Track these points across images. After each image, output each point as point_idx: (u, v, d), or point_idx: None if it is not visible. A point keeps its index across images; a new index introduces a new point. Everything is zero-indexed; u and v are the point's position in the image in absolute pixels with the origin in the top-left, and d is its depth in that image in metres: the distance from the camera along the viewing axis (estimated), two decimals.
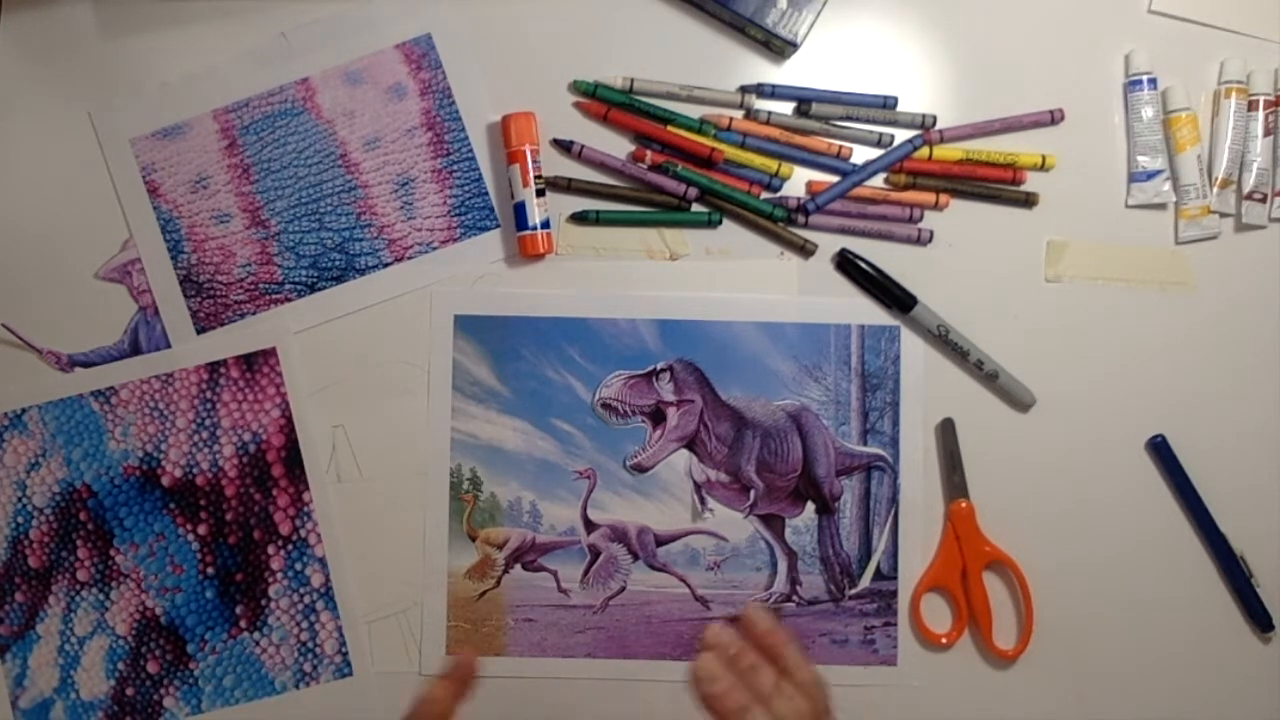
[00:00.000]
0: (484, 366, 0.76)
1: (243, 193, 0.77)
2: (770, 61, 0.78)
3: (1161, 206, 0.77)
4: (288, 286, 0.76)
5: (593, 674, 0.75)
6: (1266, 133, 0.76)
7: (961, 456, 0.75)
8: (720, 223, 0.76)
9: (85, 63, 0.77)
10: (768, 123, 0.76)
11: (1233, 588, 0.75)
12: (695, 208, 0.76)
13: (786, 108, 0.77)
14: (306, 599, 0.75)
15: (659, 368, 0.76)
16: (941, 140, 0.76)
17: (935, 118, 0.77)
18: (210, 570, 0.75)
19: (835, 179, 0.76)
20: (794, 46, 0.76)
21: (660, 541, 0.76)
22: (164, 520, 0.76)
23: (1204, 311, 0.76)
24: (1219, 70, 0.77)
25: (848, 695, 0.75)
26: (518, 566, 0.76)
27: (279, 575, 0.75)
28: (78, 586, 0.75)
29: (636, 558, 0.76)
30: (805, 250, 0.76)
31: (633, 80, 0.76)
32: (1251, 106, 0.76)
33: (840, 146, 0.77)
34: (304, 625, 0.75)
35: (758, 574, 0.75)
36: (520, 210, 0.75)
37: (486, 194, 0.77)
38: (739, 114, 0.77)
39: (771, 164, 0.76)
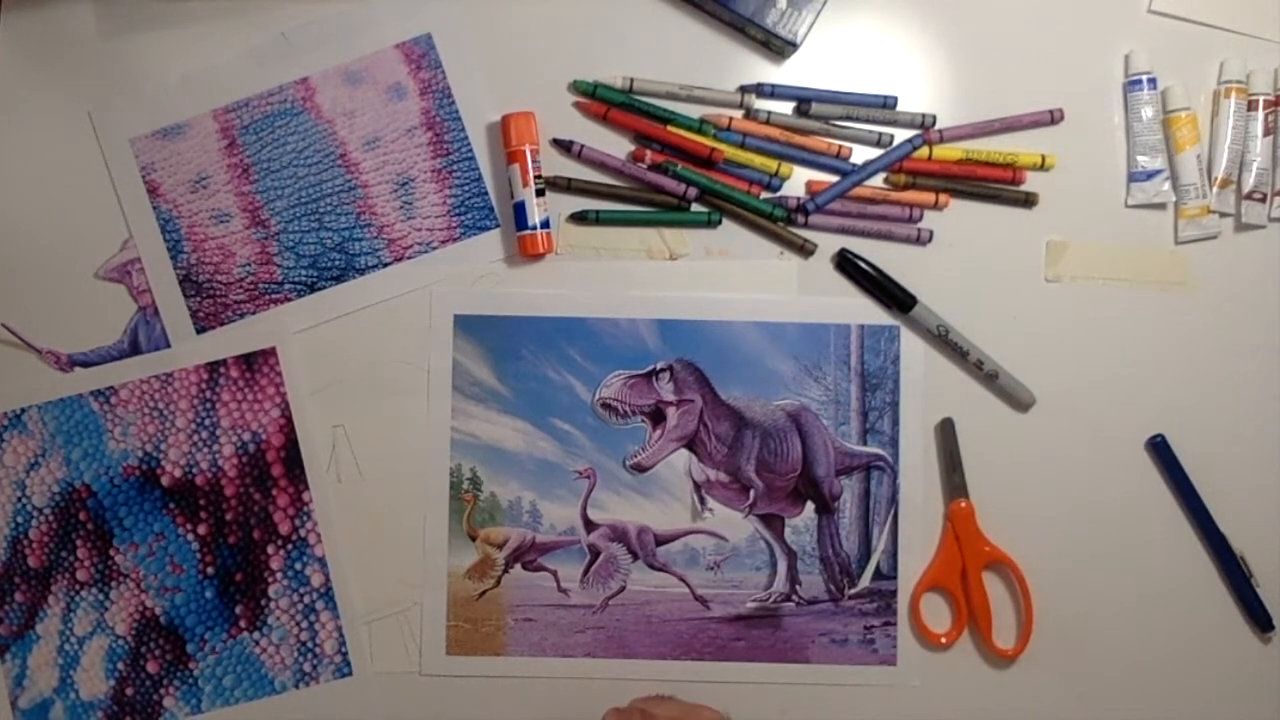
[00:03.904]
0: (484, 366, 0.76)
1: (242, 192, 0.77)
2: (770, 61, 0.78)
3: (1161, 206, 0.77)
4: (287, 286, 0.76)
5: (592, 674, 0.75)
6: (1266, 132, 0.76)
7: (961, 456, 0.75)
8: (720, 223, 0.76)
9: (85, 63, 0.77)
10: (767, 123, 0.76)
11: (1233, 588, 0.75)
12: (695, 208, 0.76)
13: (786, 108, 0.77)
14: (306, 599, 0.75)
15: (659, 367, 0.76)
16: (941, 140, 0.76)
17: (935, 117, 0.77)
18: (210, 570, 0.75)
19: (835, 179, 0.76)
20: (794, 46, 0.76)
21: (660, 541, 0.76)
22: (164, 520, 0.76)
23: (1204, 311, 0.76)
24: (1219, 70, 0.77)
25: (847, 695, 0.75)
26: (518, 566, 0.76)
27: (279, 575, 0.75)
28: (77, 586, 0.75)
29: (636, 557, 0.76)
30: (805, 250, 0.76)
31: (633, 80, 0.76)
32: (1251, 106, 0.76)
33: (840, 146, 0.76)
34: (304, 625, 0.75)
35: (757, 574, 0.75)
36: (520, 210, 0.75)
37: (486, 194, 0.77)
38: (739, 114, 0.77)
39: (771, 164, 0.76)
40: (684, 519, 0.76)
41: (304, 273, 0.76)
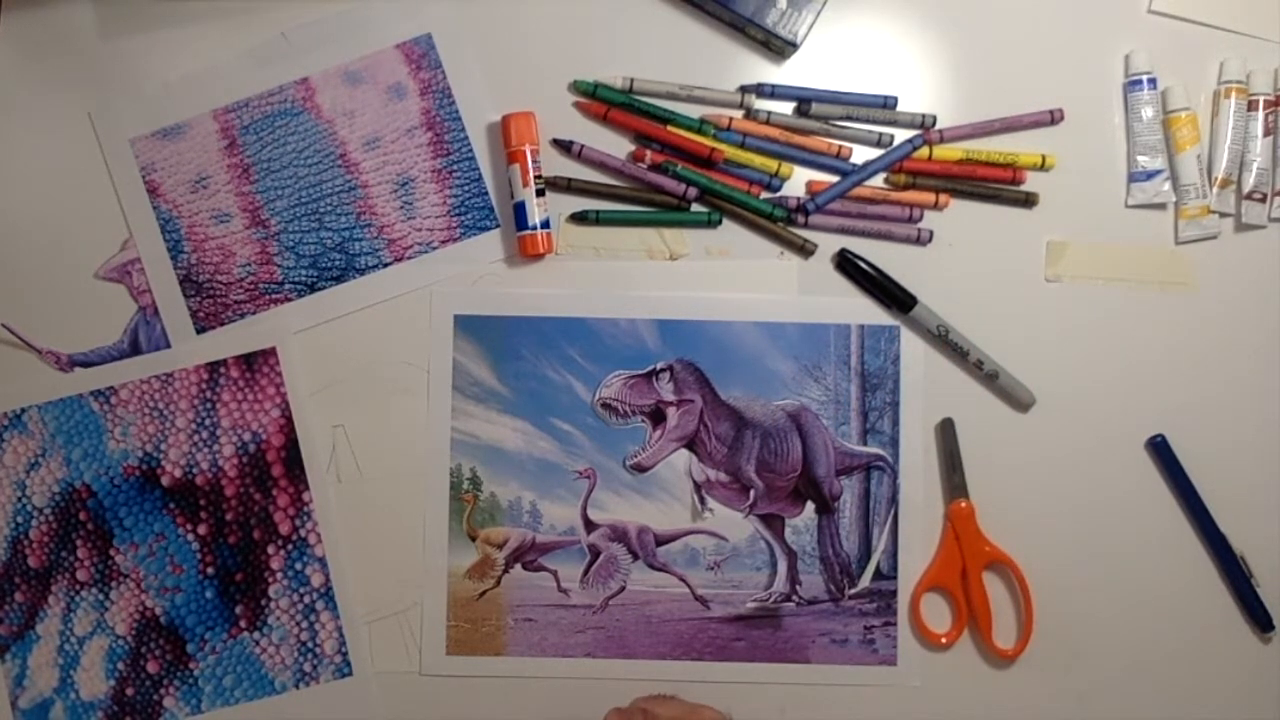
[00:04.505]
0: (484, 366, 0.76)
1: (243, 193, 0.77)
2: (770, 61, 0.78)
3: (1161, 206, 0.77)
4: (288, 286, 0.76)
5: (592, 674, 0.75)
6: (1266, 133, 0.76)
7: (961, 456, 0.75)
8: (720, 223, 0.76)
9: (85, 63, 0.77)
10: (767, 123, 0.76)
11: (1233, 588, 0.75)
12: (695, 208, 0.76)
13: (786, 108, 0.77)
14: (306, 599, 0.75)
15: (659, 368, 0.76)
16: (941, 140, 0.76)
17: (935, 118, 0.77)
18: (210, 570, 0.75)
19: (835, 179, 0.76)
20: (794, 46, 0.76)
21: (660, 541, 0.76)
22: (164, 520, 0.76)
23: (1204, 311, 0.76)
24: (1219, 70, 0.77)
25: (847, 695, 0.75)
26: (518, 566, 0.76)
27: (279, 575, 0.75)
28: (77, 586, 0.75)
29: (636, 557, 0.76)
30: (805, 250, 0.76)
31: (633, 80, 0.76)
32: (1251, 106, 0.76)
33: (840, 146, 0.76)
34: (304, 625, 0.75)
35: (757, 574, 0.75)
36: (520, 210, 0.75)
37: (486, 194, 0.77)
38: (739, 114, 0.77)
39: (771, 164, 0.76)
40: (684, 519, 0.76)
41: (304, 273, 0.76)
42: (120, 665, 0.75)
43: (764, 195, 0.77)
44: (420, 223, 0.77)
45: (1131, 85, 0.77)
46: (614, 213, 0.76)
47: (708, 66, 0.77)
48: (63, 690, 0.75)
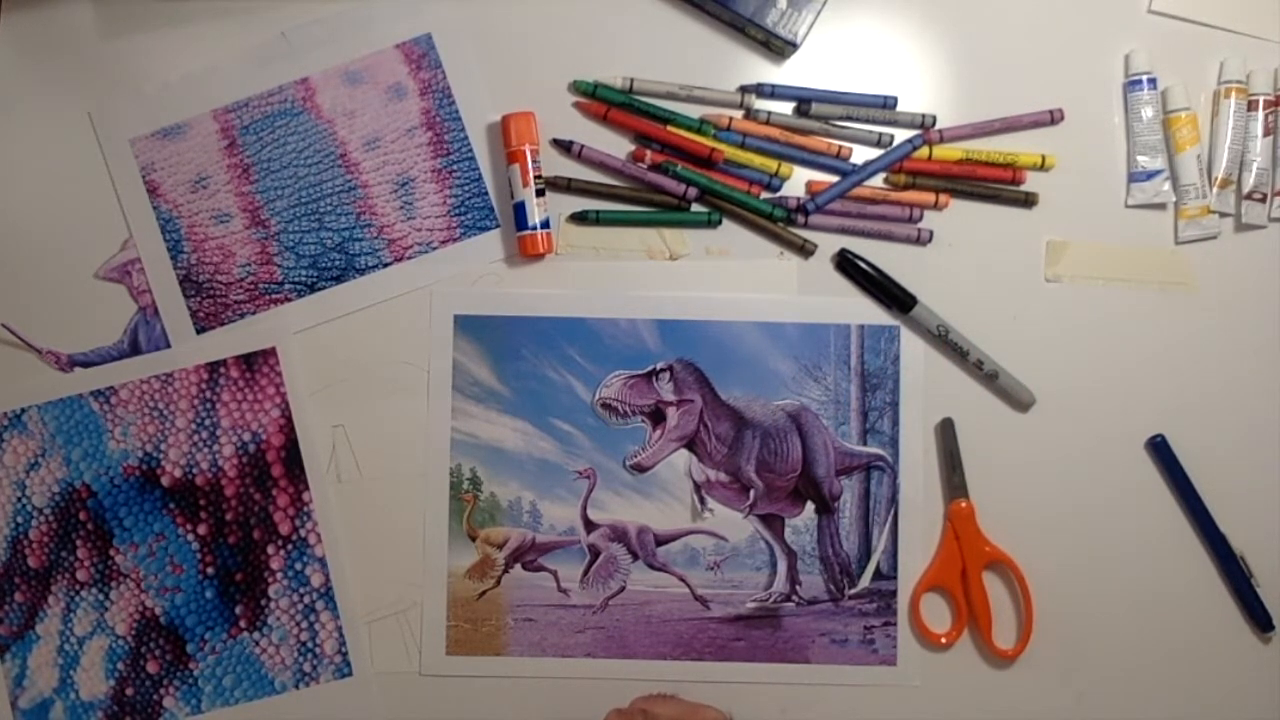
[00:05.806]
0: (484, 366, 0.76)
1: (242, 193, 0.77)
2: (770, 61, 0.78)
3: (1161, 206, 0.77)
4: (288, 286, 0.76)
5: (592, 674, 0.75)
6: (1266, 132, 0.76)
7: (961, 456, 0.75)
8: (720, 223, 0.76)
9: (85, 63, 0.77)
10: (767, 123, 0.76)
11: (1233, 588, 0.75)
12: (695, 208, 0.76)
13: (786, 108, 0.77)
14: (306, 599, 0.75)
15: (659, 368, 0.76)
16: (941, 140, 0.76)
17: (935, 118, 0.77)
18: (210, 570, 0.75)
19: (835, 179, 0.76)
20: (794, 46, 0.76)
21: (660, 541, 0.76)
22: (164, 520, 0.76)
23: (1204, 311, 0.76)
24: (1219, 70, 0.77)
25: (847, 695, 0.75)
26: (518, 566, 0.76)
27: (279, 575, 0.75)
28: (77, 586, 0.75)
29: (636, 557, 0.76)
30: (805, 250, 0.76)
31: (633, 80, 0.76)
32: (1251, 106, 0.76)
33: (840, 146, 0.77)
34: (304, 625, 0.75)
35: (757, 574, 0.75)
36: (520, 210, 0.75)
37: (486, 194, 0.77)
38: (739, 114, 0.77)
39: (771, 164, 0.76)
40: (684, 519, 0.76)
41: (304, 273, 0.76)
42: (120, 665, 0.75)
43: (764, 195, 0.77)
44: (420, 223, 0.77)
45: (1131, 85, 0.77)
46: (614, 213, 0.76)
47: (708, 66, 0.77)
48: (63, 690, 0.75)
